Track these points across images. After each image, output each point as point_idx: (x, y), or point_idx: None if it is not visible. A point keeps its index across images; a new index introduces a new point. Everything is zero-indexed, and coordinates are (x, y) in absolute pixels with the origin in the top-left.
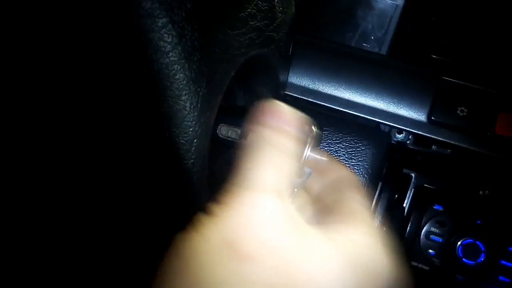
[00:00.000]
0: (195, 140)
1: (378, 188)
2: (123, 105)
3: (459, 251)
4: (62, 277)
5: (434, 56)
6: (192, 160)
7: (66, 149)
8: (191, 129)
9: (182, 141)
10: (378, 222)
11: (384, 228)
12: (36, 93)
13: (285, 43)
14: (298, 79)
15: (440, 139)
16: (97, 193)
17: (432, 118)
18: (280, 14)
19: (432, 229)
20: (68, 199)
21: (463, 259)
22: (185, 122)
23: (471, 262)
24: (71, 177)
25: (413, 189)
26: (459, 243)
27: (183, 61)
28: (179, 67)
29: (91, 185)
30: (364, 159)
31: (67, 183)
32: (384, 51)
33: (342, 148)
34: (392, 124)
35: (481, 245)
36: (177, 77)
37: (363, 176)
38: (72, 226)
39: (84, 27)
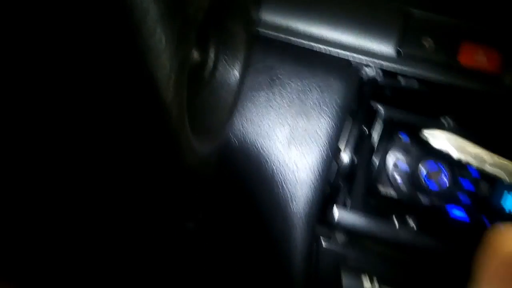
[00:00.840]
0: (172, 75)
1: (350, 121)
2: (99, 42)
3: (424, 175)
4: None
5: None
6: (170, 95)
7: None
8: (168, 63)
9: (159, 75)
10: (349, 151)
11: (356, 159)
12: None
13: None
14: (270, 16)
15: (408, 71)
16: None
17: (400, 51)
18: None
19: (399, 157)
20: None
21: (427, 182)
22: (162, 56)
23: (435, 185)
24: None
25: (382, 121)
26: (423, 168)
27: None
28: (152, 1)
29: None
30: (335, 94)
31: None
32: None
33: (314, 82)
34: (362, 58)
35: (443, 169)
36: (151, 11)
37: (336, 111)
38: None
39: None
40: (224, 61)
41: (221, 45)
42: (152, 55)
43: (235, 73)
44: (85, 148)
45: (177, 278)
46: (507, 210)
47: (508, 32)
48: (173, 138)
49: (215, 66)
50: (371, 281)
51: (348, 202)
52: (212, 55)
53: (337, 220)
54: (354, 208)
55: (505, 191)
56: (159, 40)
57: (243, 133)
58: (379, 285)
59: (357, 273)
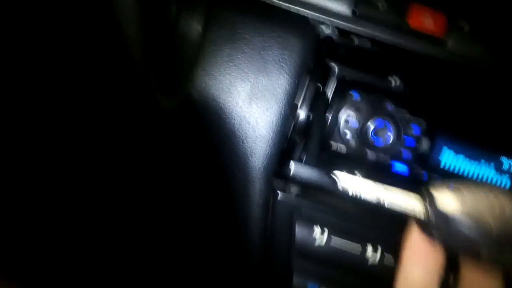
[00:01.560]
0: (139, 32)
1: (307, 79)
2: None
3: (371, 132)
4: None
5: None
6: (137, 49)
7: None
8: (135, 21)
9: (129, 32)
10: (305, 108)
11: (311, 115)
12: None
13: None
14: None
15: (361, 31)
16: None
17: (355, 10)
18: None
19: (350, 114)
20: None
21: (374, 138)
22: (131, 15)
23: (382, 142)
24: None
25: (335, 79)
26: (371, 125)
27: None
28: None
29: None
30: (294, 50)
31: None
32: None
33: (274, 39)
34: (319, 16)
35: (389, 126)
36: None
37: (295, 68)
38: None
39: None
40: (186, 16)
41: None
42: (122, 14)
43: (197, 28)
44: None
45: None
46: (444, 165)
47: None
48: (138, 91)
49: (177, 20)
50: (322, 230)
51: (303, 156)
52: (174, 9)
53: (292, 173)
54: (308, 162)
55: (444, 147)
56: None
57: (204, 88)
58: (329, 234)
59: (309, 223)
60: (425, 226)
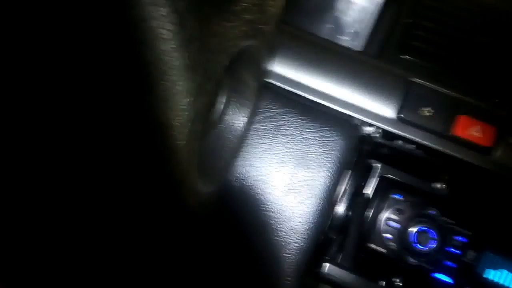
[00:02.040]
0: (188, 123)
1: (348, 176)
2: (124, 88)
3: (413, 237)
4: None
5: (406, 57)
6: (184, 142)
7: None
8: (186, 113)
9: (176, 124)
10: (344, 205)
11: (350, 213)
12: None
13: (273, 35)
14: (280, 68)
15: (405, 135)
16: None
17: (400, 116)
18: (271, 8)
19: (391, 216)
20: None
21: (416, 244)
22: (181, 106)
23: (423, 248)
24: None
25: (377, 179)
26: (413, 230)
27: (182, 49)
28: (177, 55)
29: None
30: (336, 148)
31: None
32: (360, 46)
33: (317, 137)
34: (364, 119)
35: (433, 233)
36: (175, 64)
37: (335, 165)
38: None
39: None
40: (234, 107)
41: (233, 92)
42: (172, 104)
43: (243, 119)
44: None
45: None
46: (488, 278)
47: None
48: (180, 180)
49: (224, 111)
50: None
51: (339, 256)
52: (223, 100)
53: (326, 273)
54: (344, 262)
55: (489, 259)
56: (181, 91)
57: (244, 176)
58: None
59: None
60: None
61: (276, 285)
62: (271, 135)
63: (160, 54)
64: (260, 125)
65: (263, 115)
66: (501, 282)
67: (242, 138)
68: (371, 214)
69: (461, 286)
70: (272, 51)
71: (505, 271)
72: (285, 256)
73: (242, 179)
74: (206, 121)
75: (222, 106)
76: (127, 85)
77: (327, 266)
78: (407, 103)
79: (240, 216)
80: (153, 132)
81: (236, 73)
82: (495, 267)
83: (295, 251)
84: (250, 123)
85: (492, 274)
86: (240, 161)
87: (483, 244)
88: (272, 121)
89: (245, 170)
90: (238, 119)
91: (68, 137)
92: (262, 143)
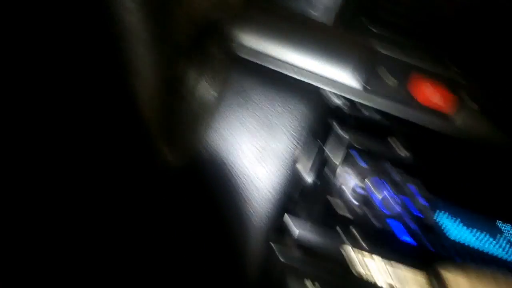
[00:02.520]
0: (158, 96)
1: (317, 147)
2: (96, 61)
3: (379, 203)
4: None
5: (373, 29)
6: (154, 113)
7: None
8: (156, 84)
9: (146, 95)
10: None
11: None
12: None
13: (241, 8)
14: (248, 41)
15: (372, 105)
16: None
17: (366, 86)
18: None
19: (358, 183)
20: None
21: (382, 208)
22: (150, 78)
23: (388, 211)
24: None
25: (345, 149)
26: (379, 196)
27: (149, 20)
28: (144, 26)
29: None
30: (302, 117)
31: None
32: (329, 19)
33: (286, 110)
34: (331, 90)
35: (397, 198)
36: (143, 35)
37: (304, 136)
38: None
39: None
40: (204, 81)
41: (203, 65)
42: (141, 76)
43: (213, 93)
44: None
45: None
46: (447, 235)
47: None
48: (149, 149)
49: (195, 85)
50: (314, 285)
51: (307, 222)
52: (193, 73)
53: (295, 238)
54: (312, 228)
55: (448, 218)
56: (149, 63)
57: (214, 148)
58: None
59: (301, 277)
60: None
61: (246, 251)
62: (241, 108)
63: (127, 26)
64: (230, 98)
65: (233, 88)
66: (461, 241)
67: (213, 112)
68: (338, 182)
69: (424, 245)
70: (240, 24)
71: (464, 231)
72: (254, 223)
73: (213, 151)
74: (176, 93)
75: (192, 80)
76: (99, 58)
77: (297, 230)
78: (373, 74)
79: (211, 187)
80: (124, 103)
81: (205, 46)
82: (455, 227)
83: (264, 218)
84: (220, 96)
85: (452, 234)
86: (211, 134)
87: (443, 207)
88: (242, 95)
89: (216, 142)
90: (208, 93)
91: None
92: (232, 115)
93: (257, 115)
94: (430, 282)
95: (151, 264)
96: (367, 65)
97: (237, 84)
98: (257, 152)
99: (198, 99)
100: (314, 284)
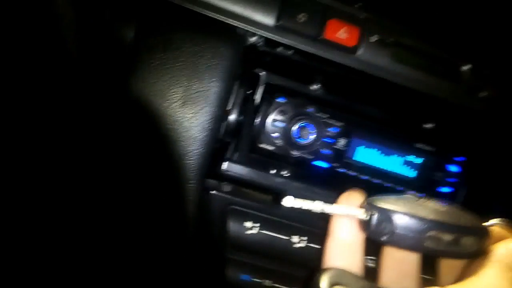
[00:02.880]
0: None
1: (237, 85)
2: None
3: (296, 133)
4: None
5: None
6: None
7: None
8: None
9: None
10: (235, 111)
11: (241, 118)
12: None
13: None
14: None
15: (284, 41)
16: None
17: (279, 23)
18: None
19: (276, 117)
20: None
21: (298, 138)
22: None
23: (304, 141)
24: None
25: (263, 85)
26: (295, 126)
27: None
28: None
29: None
30: (224, 57)
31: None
32: None
33: (206, 49)
34: (246, 27)
35: (311, 127)
36: None
37: (225, 74)
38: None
39: None
40: (120, 21)
41: (117, 6)
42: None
43: (130, 34)
44: None
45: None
46: (358, 160)
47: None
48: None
49: (111, 26)
50: (253, 225)
51: (235, 156)
52: (107, 14)
53: (225, 171)
54: (239, 161)
55: (358, 144)
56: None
57: (138, 93)
58: (259, 228)
59: (241, 218)
60: (366, 226)
61: (181, 189)
62: (161, 50)
63: None
64: (150, 41)
65: (151, 30)
66: (366, 162)
67: (133, 54)
68: (259, 117)
69: (335, 168)
70: None
71: (369, 153)
72: (186, 162)
73: (138, 95)
74: (91, 34)
75: (107, 20)
76: None
77: (226, 164)
78: (284, 11)
79: (139, 130)
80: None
81: None
82: (362, 150)
83: (195, 157)
84: (138, 38)
85: (359, 156)
86: (134, 77)
87: (351, 132)
88: (161, 36)
89: (139, 87)
90: (125, 34)
91: None
92: (153, 58)
93: (179, 57)
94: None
95: (86, 212)
96: (278, 4)
97: (155, 26)
98: (182, 94)
99: (115, 41)
100: (253, 225)
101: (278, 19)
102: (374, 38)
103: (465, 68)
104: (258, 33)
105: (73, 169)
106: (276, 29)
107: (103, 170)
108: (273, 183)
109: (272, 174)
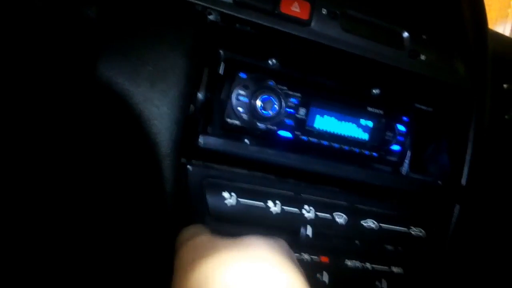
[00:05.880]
0: None
1: (201, 63)
2: None
3: (259, 106)
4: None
5: None
6: None
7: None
8: None
9: None
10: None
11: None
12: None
13: None
14: None
15: (242, 17)
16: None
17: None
18: None
19: (240, 92)
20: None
21: (262, 111)
22: None
23: (268, 113)
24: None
25: (223, 62)
26: (258, 100)
27: None
28: None
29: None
30: (188, 37)
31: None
32: None
33: (169, 27)
34: (204, 4)
35: (273, 100)
36: None
37: (188, 51)
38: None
39: None
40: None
41: None
42: None
43: (91, 14)
44: None
45: None
46: (317, 128)
47: None
48: None
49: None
50: (230, 195)
51: (208, 130)
52: None
53: (201, 145)
54: (213, 134)
55: (316, 113)
56: None
57: (107, 75)
58: (236, 197)
59: (218, 189)
60: None
61: (158, 166)
62: (127, 31)
63: None
64: (114, 23)
65: (113, 10)
66: (325, 129)
67: (99, 36)
68: (222, 94)
69: (298, 136)
70: None
71: (327, 120)
72: (160, 139)
73: (106, 77)
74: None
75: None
76: None
77: (202, 137)
78: None
79: (110, 112)
80: None
81: None
82: (320, 118)
83: (168, 134)
84: (101, 20)
85: (318, 124)
86: (100, 60)
87: (310, 102)
88: (125, 16)
89: (107, 69)
90: (86, 15)
91: None
92: (120, 39)
93: (144, 37)
94: None
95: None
96: None
97: (117, 6)
98: (150, 74)
99: (82, 20)
100: (230, 194)
101: None
102: (324, 11)
103: (406, 35)
104: (216, 9)
105: (41, 150)
106: (234, 5)
107: (75, 153)
108: (248, 151)
109: (246, 144)
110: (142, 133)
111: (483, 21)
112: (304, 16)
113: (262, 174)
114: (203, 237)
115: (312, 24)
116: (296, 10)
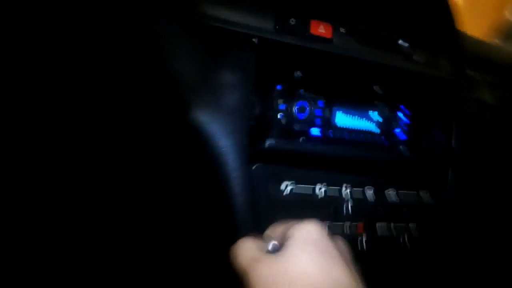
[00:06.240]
0: None
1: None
2: None
3: (295, 111)
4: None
5: None
6: None
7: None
8: None
9: None
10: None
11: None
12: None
13: None
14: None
15: (283, 41)
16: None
17: (276, 27)
18: None
19: (279, 101)
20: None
21: (298, 115)
22: None
23: (303, 115)
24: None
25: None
26: (294, 107)
27: None
28: None
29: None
30: (246, 65)
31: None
32: None
33: (220, 57)
34: (253, 34)
35: (306, 105)
36: None
37: (247, 76)
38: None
39: None
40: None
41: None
42: None
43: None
44: None
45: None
46: (339, 125)
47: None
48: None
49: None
50: (286, 184)
51: (271, 134)
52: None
53: (269, 146)
54: (276, 137)
55: (337, 112)
56: None
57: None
58: (291, 185)
59: (278, 181)
60: None
61: (229, 177)
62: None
63: None
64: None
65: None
66: (349, 125)
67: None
68: (274, 105)
69: (325, 133)
70: None
71: (349, 118)
72: (232, 154)
73: (201, 115)
74: None
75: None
76: None
77: (268, 140)
78: (280, 17)
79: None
80: None
81: None
82: (343, 117)
83: (237, 139)
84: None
85: (341, 122)
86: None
87: (333, 104)
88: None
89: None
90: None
91: None
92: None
93: (212, 67)
94: None
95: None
96: (274, 12)
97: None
98: (220, 102)
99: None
100: (286, 184)
101: (275, 24)
102: (343, 30)
103: (401, 42)
104: (263, 36)
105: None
106: (275, 32)
107: (158, 164)
108: (304, 148)
109: (300, 142)
110: (217, 143)
111: (454, 25)
112: (328, 35)
113: (307, 169)
114: (265, 267)
115: (334, 40)
116: (322, 31)
